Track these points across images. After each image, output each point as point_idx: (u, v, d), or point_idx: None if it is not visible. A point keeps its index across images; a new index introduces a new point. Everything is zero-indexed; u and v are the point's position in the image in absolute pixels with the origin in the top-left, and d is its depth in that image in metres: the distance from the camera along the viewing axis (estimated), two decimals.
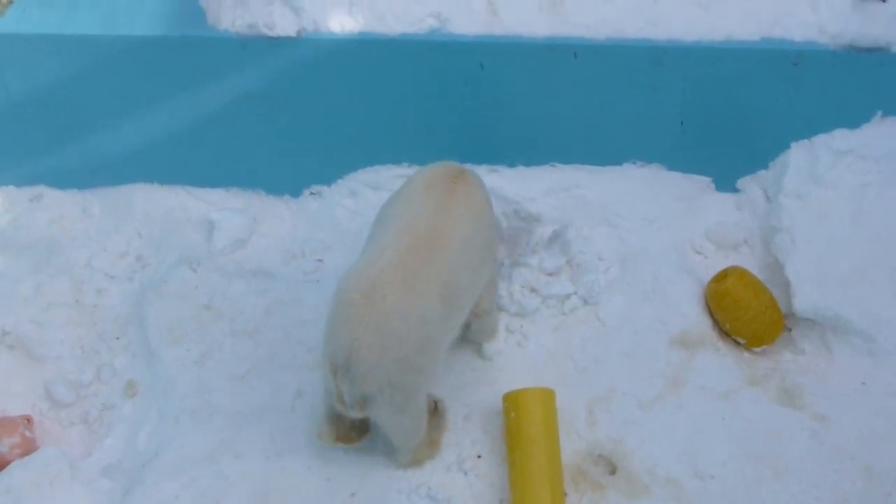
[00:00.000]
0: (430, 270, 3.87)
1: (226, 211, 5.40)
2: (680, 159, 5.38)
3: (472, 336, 4.73)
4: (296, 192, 5.51)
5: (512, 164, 5.34)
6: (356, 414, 3.95)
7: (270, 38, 5.00)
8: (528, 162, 5.37)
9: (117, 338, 5.04)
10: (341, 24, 5.03)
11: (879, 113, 5.20)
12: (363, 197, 5.34)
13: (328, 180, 5.46)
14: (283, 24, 5.01)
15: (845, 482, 4.35)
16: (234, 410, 4.65)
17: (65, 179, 5.58)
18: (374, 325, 3.72)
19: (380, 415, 3.99)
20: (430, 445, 4.40)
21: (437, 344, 3.95)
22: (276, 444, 4.53)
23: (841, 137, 5.18)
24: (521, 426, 4.29)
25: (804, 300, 4.84)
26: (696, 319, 4.97)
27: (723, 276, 4.95)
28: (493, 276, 4.50)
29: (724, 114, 5.22)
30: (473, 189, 4.25)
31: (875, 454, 4.44)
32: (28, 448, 4.58)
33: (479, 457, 4.46)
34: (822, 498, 4.30)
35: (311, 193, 5.49)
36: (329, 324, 3.88)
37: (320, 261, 5.20)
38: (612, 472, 4.38)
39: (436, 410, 4.49)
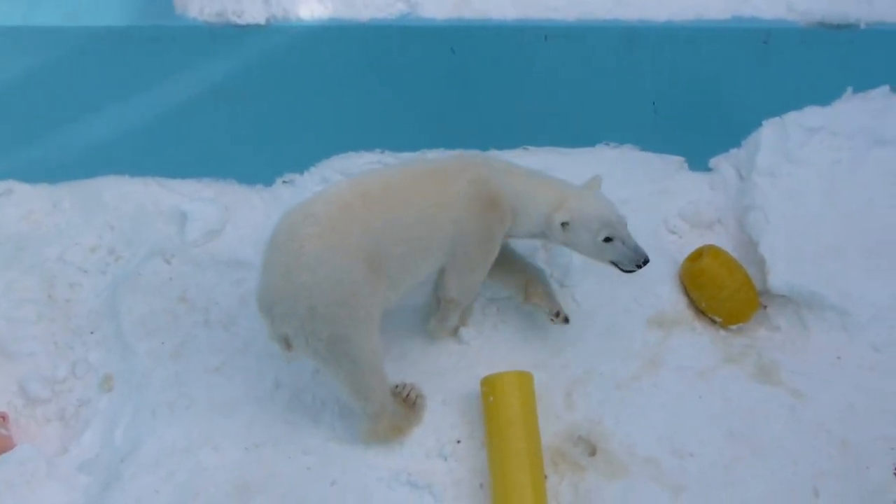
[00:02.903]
0: (360, 232, 3.90)
1: (198, 201, 5.36)
2: (653, 139, 5.41)
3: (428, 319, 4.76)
4: (268, 181, 5.48)
5: (485, 148, 5.33)
6: (285, 351, 4.05)
7: (239, 27, 4.97)
8: (501, 145, 5.37)
9: (91, 332, 5.00)
10: (311, 10, 5.01)
11: (850, 89, 5.24)
12: None
13: (300, 168, 5.44)
14: (252, 12, 4.98)
15: (823, 457, 4.37)
16: (211, 402, 4.62)
17: (34, 174, 5.52)
18: (286, 272, 3.85)
19: (313, 361, 4.20)
20: (392, 429, 4.38)
21: (358, 302, 3.93)
22: (255, 435, 4.50)
23: (812, 114, 5.22)
24: (500, 410, 4.28)
25: (778, 277, 4.87)
26: (671, 299, 4.99)
27: (697, 255, 4.96)
28: (464, 273, 4.43)
29: (695, 93, 5.24)
30: (468, 188, 4.20)
31: (851, 428, 4.47)
32: (4, 446, 4.54)
33: (458, 442, 4.46)
34: (800, 473, 4.32)
35: (284, 182, 5.46)
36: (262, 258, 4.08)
37: None
38: (592, 452, 4.39)
39: (407, 398, 4.48)
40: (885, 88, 5.26)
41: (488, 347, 4.81)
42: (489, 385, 4.38)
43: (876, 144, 5.17)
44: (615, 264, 4.40)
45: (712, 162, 5.43)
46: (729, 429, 4.46)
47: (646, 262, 4.34)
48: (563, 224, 4.31)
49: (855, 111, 5.23)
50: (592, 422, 4.48)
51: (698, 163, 5.46)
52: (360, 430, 4.36)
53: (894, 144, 5.17)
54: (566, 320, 4.70)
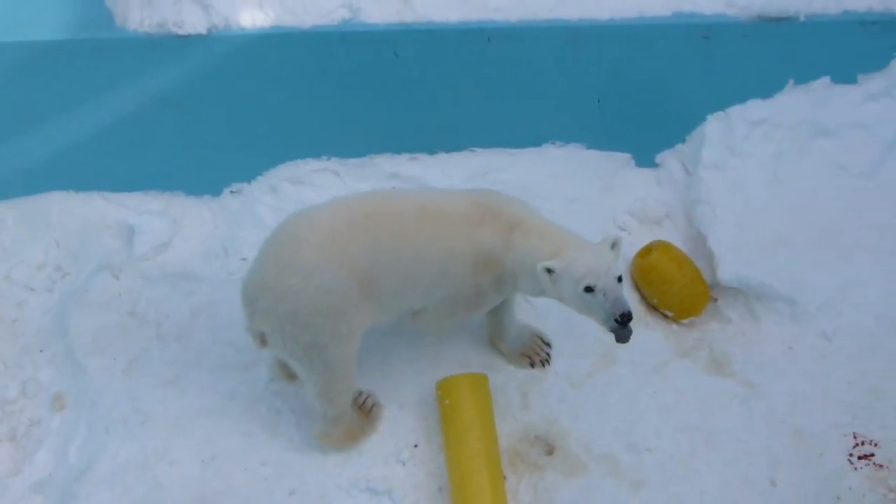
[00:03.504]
0: (357, 254, 3.87)
1: (145, 215, 5.31)
2: (599, 137, 5.44)
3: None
4: (216, 192, 5.44)
5: (432, 152, 5.34)
6: (258, 346, 4.05)
7: (180, 37, 4.92)
8: (448, 148, 5.38)
9: (41, 351, 4.93)
10: (252, 18, 4.97)
11: (791, 81, 5.30)
12: (284, 193, 5.30)
13: (248, 177, 5.41)
14: (193, 22, 4.93)
15: (777, 446, 4.42)
16: (165, 416, 4.58)
17: None
18: (278, 271, 3.84)
19: (286, 359, 4.15)
20: (347, 436, 4.37)
21: (342, 317, 3.92)
22: (211, 448, 4.46)
23: (755, 107, 5.27)
24: (456, 413, 4.29)
25: (728, 270, 4.92)
26: None
27: (647, 251, 5.00)
28: (442, 316, 4.36)
29: (640, 90, 5.27)
30: (469, 247, 4.05)
31: (804, 416, 4.53)
32: None
33: (415, 446, 4.46)
34: (756, 463, 4.37)
35: (232, 192, 5.43)
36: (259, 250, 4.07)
37: (245, 259, 5.13)
38: (550, 452, 4.40)
39: (363, 406, 4.47)
40: (826, 79, 5.32)
41: (443, 351, 4.79)
42: (445, 388, 4.39)
43: (818, 135, 5.23)
44: (602, 323, 3.90)
45: (658, 158, 5.47)
46: (684, 422, 4.50)
47: (625, 316, 3.79)
48: (548, 271, 3.87)
49: (797, 103, 5.28)
50: (549, 421, 4.50)
51: (645, 159, 5.50)
52: (316, 432, 4.34)
53: (836, 134, 5.23)
54: (543, 364, 4.73)
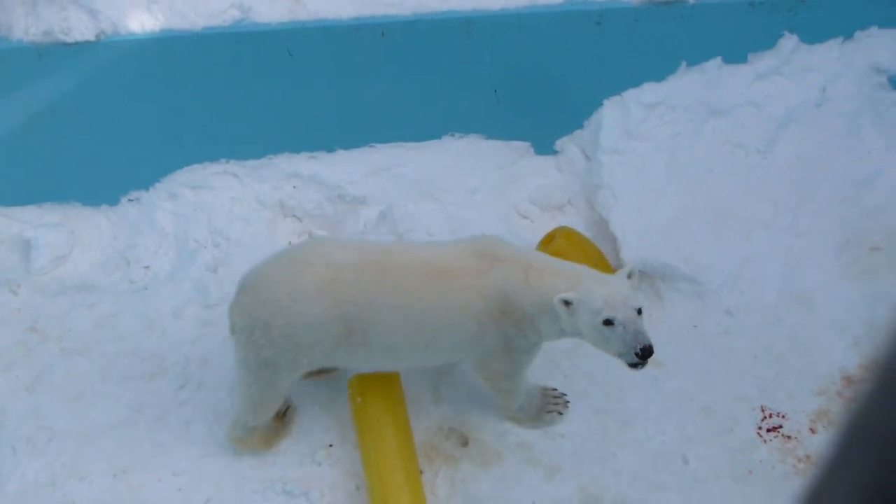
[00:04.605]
0: (353, 301, 3.80)
1: (41, 228, 5.18)
2: (497, 127, 5.46)
3: None
4: (113, 201, 5.33)
5: (331, 149, 5.32)
6: (230, 329, 4.03)
7: (68, 45, 4.82)
8: (348, 145, 5.36)
9: None
10: (141, 23, 4.90)
11: (684, 63, 5.38)
12: (183, 198, 5.22)
13: (145, 185, 5.31)
14: (81, 29, 4.84)
15: (688, 423, 4.49)
16: (73, 432, 4.48)
17: None
18: (273, 283, 3.82)
19: (237, 354, 4.07)
20: (261, 440, 4.34)
21: (309, 352, 3.90)
22: (122, 461, 4.37)
23: (650, 91, 5.34)
24: (369, 410, 4.27)
25: (631, 252, 4.97)
26: None
27: (550, 237, 5.02)
28: (499, 384, 4.29)
29: (535, 78, 5.30)
30: (487, 279, 3.88)
31: (712, 392, 4.60)
32: None
33: (330, 446, 4.42)
34: (668, 442, 4.42)
35: (130, 200, 5.33)
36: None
37: (147, 268, 5.07)
38: (464, 443, 4.41)
39: (283, 414, 4.44)
40: (718, 60, 5.41)
41: None
42: (356, 386, 4.36)
43: (712, 115, 5.32)
44: (620, 356, 3.75)
45: (558, 144, 5.51)
46: (596, 406, 4.54)
47: (646, 350, 3.65)
48: (566, 303, 3.71)
49: (690, 84, 5.37)
50: (462, 413, 4.50)
51: (544, 146, 5.53)
52: (232, 436, 4.29)
53: (730, 114, 5.33)
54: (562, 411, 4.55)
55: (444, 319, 3.90)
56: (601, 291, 3.68)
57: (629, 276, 3.83)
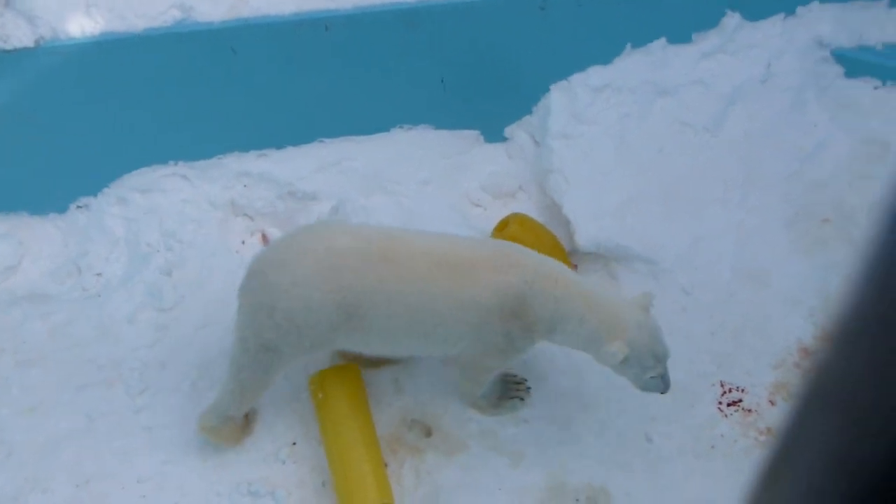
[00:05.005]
0: (354, 287, 3.79)
1: None
2: (446, 117, 5.44)
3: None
4: (62, 208, 5.24)
5: (280, 146, 5.27)
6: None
7: (6, 51, 4.74)
8: (296, 141, 5.31)
9: None
10: (81, 27, 4.82)
11: (629, 45, 5.40)
12: (133, 202, 5.15)
13: (93, 191, 5.22)
14: (19, 35, 4.75)
15: (650, 402, 4.47)
16: (32, 445, 4.42)
17: None
18: (277, 267, 3.82)
19: (236, 334, 4.05)
20: (230, 435, 4.33)
21: (310, 334, 3.87)
22: (84, 470, 4.33)
23: (596, 74, 5.35)
24: (331, 405, 4.27)
25: (584, 235, 4.99)
26: None
27: (504, 224, 5.02)
28: (472, 377, 4.31)
29: (482, 66, 5.29)
30: (503, 278, 3.87)
31: (672, 370, 4.44)
32: None
33: (294, 444, 4.41)
34: (631, 421, 4.48)
35: (79, 207, 5.24)
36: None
37: (99, 274, 5.00)
38: (428, 433, 4.41)
39: (246, 417, 4.43)
40: (662, 41, 5.43)
41: None
42: (317, 382, 4.35)
43: (660, 95, 5.35)
44: (640, 389, 4.06)
45: (507, 131, 5.51)
46: (557, 389, 4.56)
47: (667, 390, 4.04)
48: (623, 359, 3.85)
49: (636, 66, 5.39)
50: (424, 403, 4.50)
51: (493, 134, 5.53)
52: (205, 424, 4.25)
53: (677, 93, 5.36)
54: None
55: (447, 310, 3.87)
56: (648, 345, 3.86)
57: (648, 304, 4.00)
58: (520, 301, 3.85)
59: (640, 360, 3.87)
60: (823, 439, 1.00)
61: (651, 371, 3.90)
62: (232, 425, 4.27)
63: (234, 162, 5.25)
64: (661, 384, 3.99)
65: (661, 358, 3.92)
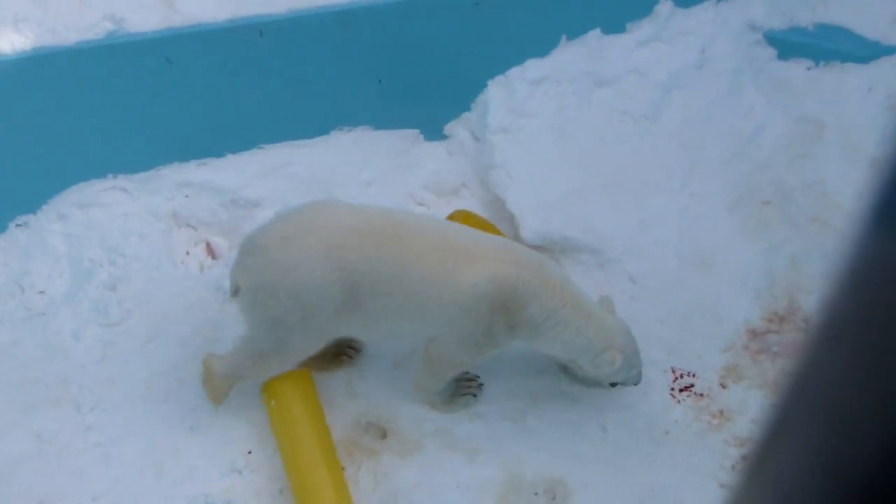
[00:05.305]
0: (355, 263, 3.81)
1: None
2: (385, 117, 5.43)
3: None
4: (0, 228, 5.18)
5: (220, 154, 5.23)
6: (231, 294, 4.08)
7: None
8: (236, 148, 5.27)
9: None
10: (10, 43, 4.75)
11: (564, 37, 5.42)
12: (73, 218, 5.07)
13: (32, 208, 5.14)
14: None
15: (603, 393, 4.54)
16: None
17: None
18: (278, 242, 3.85)
19: (242, 313, 4.07)
20: (219, 388, 4.35)
21: (316, 314, 3.89)
22: (38, 492, 4.25)
23: (533, 67, 5.37)
24: (284, 412, 4.24)
25: (530, 229, 5.00)
26: None
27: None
28: (441, 365, 4.27)
29: (419, 64, 5.30)
30: (503, 270, 3.90)
31: None
32: None
33: (249, 452, 4.37)
34: (584, 413, 4.49)
35: (17, 225, 5.15)
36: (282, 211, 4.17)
37: (42, 293, 4.92)
38: (383, 435, 4.40)
39: None
40: (597, 31, 5.46)
41: None
42: (269, 390, 4.32)
43: (597, 85, 5.38)
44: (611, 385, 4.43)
45: (447, 129, 5.51)
46: (508, 384, 4.56)
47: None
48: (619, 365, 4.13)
49: (572, 57, 5.41)
50: (377, 405, 4.48)
51: (433, 132, 5.53)
52: (210, 362, 4.28)
53: (614, 83, 5.39)
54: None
55: (440, 292, 3.89)
56: (632, 347, 4.21)
57: (613, 308, 4.33)
58: (513, 296, 3.90)
59: (628, 362, 4.16)
60: (806, 440, 0.99)
61: (635, 368, 4.24)
62: (230, 383, 4.29)
63: (175, 172, 5.20)
64: (639, 377, 4.35)
65: (640, 361, 4.29)
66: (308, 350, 4.16)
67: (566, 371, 4.57)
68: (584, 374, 4.36)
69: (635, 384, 4.38)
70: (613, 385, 4.39)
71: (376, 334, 4.28)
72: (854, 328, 0.93)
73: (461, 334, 4.05)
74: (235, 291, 4.01)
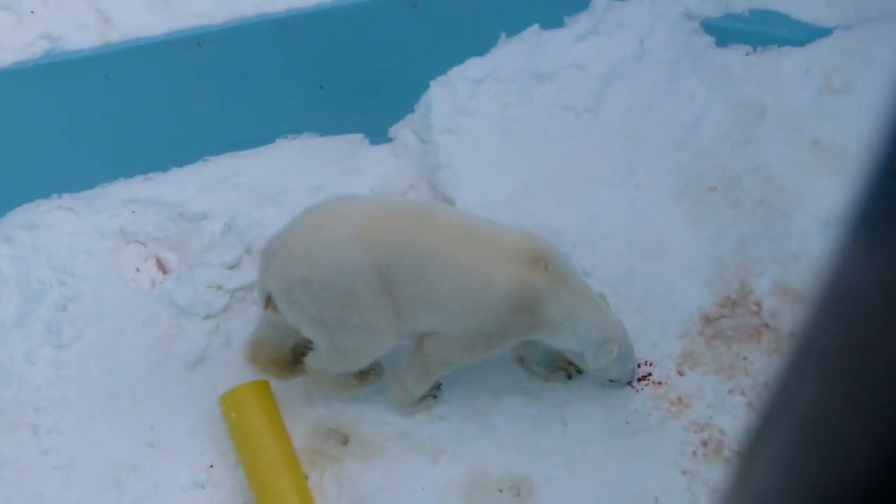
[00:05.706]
0: (387, 249, 3.77)
1: None
2: (329, 123, 5.42)
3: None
4: None
5: (165, 169, 5.20)
6: (263, 307, 4.06)
7: None
8: (181, 162, 5.23)
9: None
10: None
11: (503, 35, 5.43)
12: (20, 240, 5.00)
13: None
14: None
15: (561, 386, 4.59)
16: None
17: None
18: (303, 236, 3.82)
19: (295, 323, 4.01)
20: (336, 383, 4.37)
21: (355, 304, 3.81)
22: None
23: (474, 66, 5.38)
24: (244, 423, 4.23)
25: None
26: None
27: None
28: (452, 350, 4.19)
29: (359, 68, 5.29)
30: (526, 271, 3.90)
31: None
32: None
33: (211, 466, 4.36)
34: (544, 407, 4.52)
35: None
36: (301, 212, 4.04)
37: None
38: (345, 441, 4.39)
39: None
40: (536, 27, 5.48)
41: (220, 365, 4.69)
42: (228, 402, 4.31)
43: (539, 81, 5.39)
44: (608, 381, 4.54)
45: (391, 132, 5.50)
46: (467, 383, 4.56)
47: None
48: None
49: (512, 54, 5.43)
50: (338, 411, 4.47)
51: (378, 136, 5.51)
52: (309, 362, 4.25)
53: (555, 78, 5.40)
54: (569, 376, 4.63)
55: (465, 284, 3.86)
56: (627, 340, 4.29)
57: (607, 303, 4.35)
58: (535, 298, 3.91)
59: (623, 356, 4.26)
60: (789, 456, 0.98)
61: (630, 363, 4.38)
62: (331, 376, 4.32)
63: (120, 189, 5.16)
64: (633, 373, 4.51)
65: (633, 350, 4.40)
66: (365, 350, 4.06)
67: (522, 364, 4.59)
68: (585, 367, 4.33)
69: (629, 381, 4.50)
70: (612, 381, 4.49)
71: (402, 331, 4.11)
72: (837, 342, 0.92)
73: (475, 330, 4.01)
74: (267, 303, 3.96)
